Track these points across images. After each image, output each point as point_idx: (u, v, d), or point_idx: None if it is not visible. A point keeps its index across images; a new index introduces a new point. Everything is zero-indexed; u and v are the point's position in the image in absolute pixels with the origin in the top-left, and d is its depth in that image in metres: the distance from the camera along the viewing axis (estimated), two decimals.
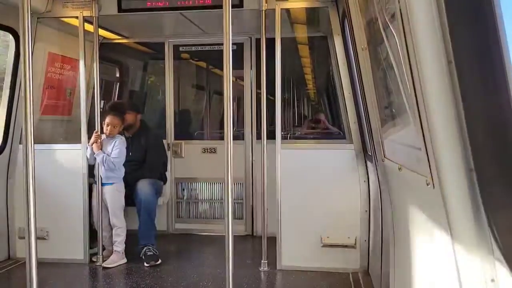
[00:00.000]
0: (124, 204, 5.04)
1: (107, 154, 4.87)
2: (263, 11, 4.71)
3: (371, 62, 2.77)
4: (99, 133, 4.94)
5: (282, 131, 4.83)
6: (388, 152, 2.78)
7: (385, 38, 2.13)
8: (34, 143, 2.97)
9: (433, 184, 1.65)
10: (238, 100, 6.53)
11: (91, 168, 5.04)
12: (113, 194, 4.95)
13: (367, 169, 4.61)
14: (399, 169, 2.30)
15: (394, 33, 1.88)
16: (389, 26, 1.95)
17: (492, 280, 1.43)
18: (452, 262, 1.55)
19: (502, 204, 1.40)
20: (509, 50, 1.37)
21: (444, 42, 1.47)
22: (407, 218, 2.26)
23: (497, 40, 1.38)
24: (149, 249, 5.01)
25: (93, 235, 5.03)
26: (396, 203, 2.71)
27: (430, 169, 1.65)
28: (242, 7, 4.87)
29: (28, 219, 2.86)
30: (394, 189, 2.72)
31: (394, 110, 2.44)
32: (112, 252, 4.95)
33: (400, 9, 1.68)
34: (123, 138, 5.09)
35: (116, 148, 4.89)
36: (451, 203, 1.51)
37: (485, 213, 1.42)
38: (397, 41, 1.82)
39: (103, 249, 5.03)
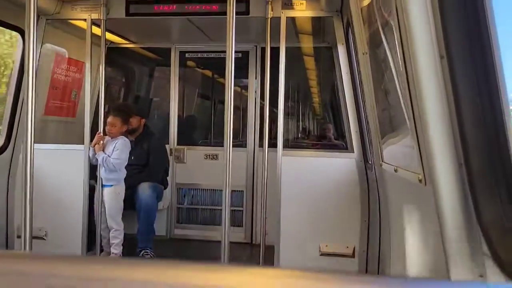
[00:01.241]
0: (122, 206, 5.03)
1: (108, 155, 4.89)
2: (269, 19, 4.76)
3: (371, 65, 2.79)
4: (101, 134, 4.98)
5: (285, 142, 4.85)
6: (386, 156, 2.77)
7: (383, 38, 2.15)
8: (34, 142, 3.00)
9: (425, 181, 1.65)
10: (243, 110, 6.56)
11: (93, 170, 5.06)
12: (111, 196, 4.95)
13: (367, 179, 4.59)
14: (395, 170, 2.30)
15: (391, 31, 1.90)
16: (387, 25, 1.98)
17: (481, 276, 1.42)
18: (442, 258, 1.54)
19: (490, 200, 1.39)
20: (499, 46, 1.38)
21: (437, 37, 1.48)
22: (402, 218, 2.25)
23: (488, 36, 1.39)
24: (147, 252, 5.01)
25: (91, 236, 5.03)
26: (393, 205, 2.70)
27: (423, 166, 1.65)
28: (248, 14, 4.92)
29: (25, 217, 2.88)
30: (391, 191, 2.71)
31: (391, 112, 2.45)
32: (110, 254, 4.94)
33: (396, 6, 1.70)
34: (127, 140, 5.08)
35: (117, 149, 4.91)
36: (442, 199, 1.51)
37: (474, 209, 1.41)
38: (394, 38, 1.84)
39: (101, 250, 5.02)
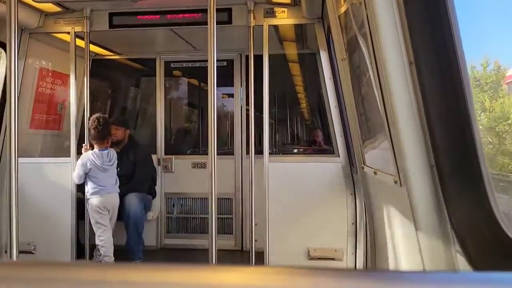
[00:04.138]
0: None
1: None
2: (251, 28, 4.83)
3: (350, 71, 2.86)
4: (87, 147, 4.98)
5: (273, 148, 4.89)
6: (367, 159, 2.84)
7: (359, 45, 2.22)
8: (18, 157, 3.00)
9: (400, 182, 1.70)
10: (231, 118, 6.59)
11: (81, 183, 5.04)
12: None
13: (353, 182, 4.65)
14: (375, 173, 2.35)
15: (363, 39, 1.96)
16: (361, 33, 2.04)
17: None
18: (418, 255, 1.59)
19: (460, 199, 1.45)
20: (463, 51, 1.44)
21: (405, 44, 1.54)
22: (383, 218, 2.31)
23: (453, 42, 1.45)
24: (137, 263, 4.99)
25: (80, 249, 5.02)
26: (375, 206, 2.75)
27: (397, 168, 1.71)
28: (231, 23, 4.98)
29: (10, 232, 2.87)
30: (372, 193, 2.77)
31: (370, 117, 2.51)
32: None
33: (367, 15, 1.76)
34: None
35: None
36: (415, 199, 1.56)
37: (445, 208, 1.47)
38: (365, 45, 1.90)
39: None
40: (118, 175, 5.18)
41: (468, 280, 0.61)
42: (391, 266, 2.14)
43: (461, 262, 1.44)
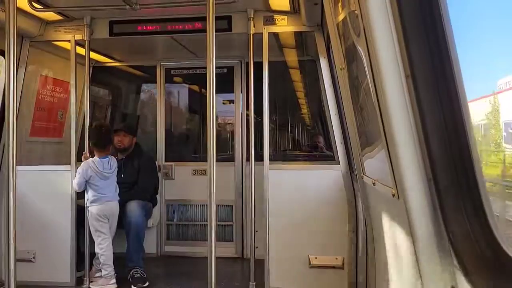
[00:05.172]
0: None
1: None
2: (251, 35, 4.84)
3: (349, 81, 2.86)
4: (87, 154, 4.98)
5: (273, 154, 4.88)
6: (366, 169, 2.82)
7: (357, 55, 2.21)
8: (16, 165, 3.00)
9: (398, 195, 1.69)
10: (232, 125, 6.60)
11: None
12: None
13: (354, 190, 4.64)
14: (373, 184, 2.34)
15: (361, 48, 1.96)
16: (358, 43, 2.04)
17: (452, 287, 1.46)
18: (416, 270, 1.58)
19: (458, 213, 1.44)
20: (460, 65, 1.44)
21: (402, 57, 1.54)
22: (382, 229, 2.29)
23: (449, 55, 1.45)
24: (137, 271, 4.97)
25: (80, 256, 5.01)
26: (373, 216, 2.74)
27: (395, 180, 1.70)
28: (231, 30, 4.99)
29: (8, 240, 2.86)
30: (371, 203, 2.76)
31: (368, 126, 2.50)
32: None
33: (363, 27, 1.76)
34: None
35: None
36: (413, 212, 1.55)
37: (443, 222, 1.46)
38: (363, 55, 1.90)
39: (90, 269, 4.99)
40: (121, 182, 5.18)
41: None
42: (390, 278, 2.13)
43: (460, 278, 1.43)
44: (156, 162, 6.16)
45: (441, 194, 1.47)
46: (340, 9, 2.88)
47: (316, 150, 6.78)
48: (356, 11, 1.94)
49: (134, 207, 5.15)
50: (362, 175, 2.91)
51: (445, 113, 1.46)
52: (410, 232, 1.59)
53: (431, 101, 1.49)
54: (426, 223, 1.52)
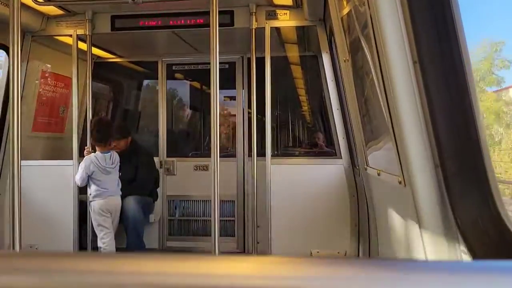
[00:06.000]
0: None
1: None
2: (253, 30, 4.83)
3: (352, 73, 2.86)
4: (89, 149, 4.98)
5: (275, 150, 4.89)
6: (370, 161, 2.83)
7: (362, 46, 2.21)
8: (21, 159, 3.00)
9: (404, 183, 1.69)
10: (233, 120, 6.59)
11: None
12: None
13: (356, 184, 4.64)
14: (378, 174, 2.34)
15: (366, 40, 1.96)
16: (364, 33, 2.03)
17: None
18: (423, 256, 1.58)
19: (466, 199, 1.44)
20: (468, 50, 1.43)
21: (409, 43, 1.54)
22: (387, 219, 2.29)
23: (457, 41, 1.45)
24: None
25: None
26: (378, 207, 2.74)
27: (402, 168, 1.70)
28: (233, 25, 4.98)
29: (13, 235, 2.87)
30: (375, 194, 2.76)
31: (373, 118, 2.50)
32: None
33: (370, 16, 1.76)
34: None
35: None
36: (420, 199, 1.55)
37: (450, 208, 1.46)
38: (369, 46, 1.89)
39: None
40: (120, 178, 5.17)
41: (469, 268, 0.61)
42: None
43: None
44: (158, 158, 6.16)
45: (448, 180, 1.47)
46: (344, 2, 2.88)
47: (317, 147, 6.78)
48: (363, 1, 1.94)
49: (131, 202, 5.14)
50: (366, 167, 2.91)
51: (453, 99, 1.46)
52: (417, 219, 1.59)
53: (439, 87, 1.49)
54: (433, 210, 1.52)
